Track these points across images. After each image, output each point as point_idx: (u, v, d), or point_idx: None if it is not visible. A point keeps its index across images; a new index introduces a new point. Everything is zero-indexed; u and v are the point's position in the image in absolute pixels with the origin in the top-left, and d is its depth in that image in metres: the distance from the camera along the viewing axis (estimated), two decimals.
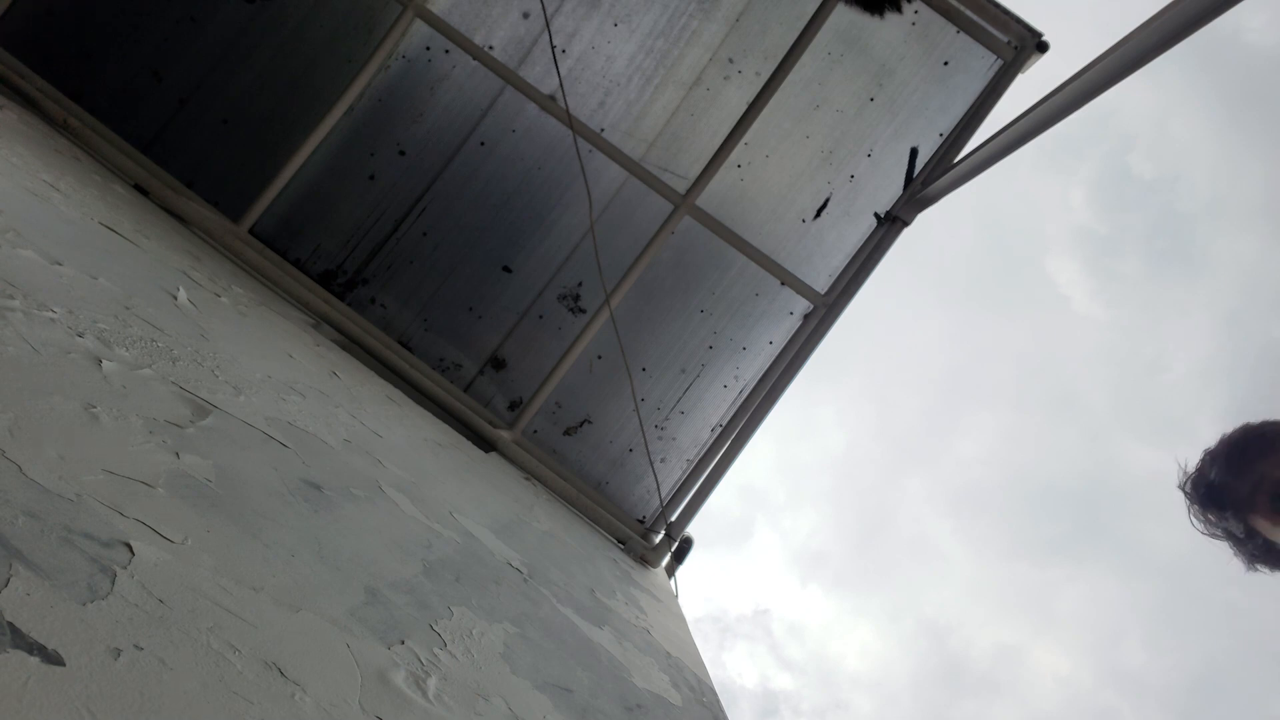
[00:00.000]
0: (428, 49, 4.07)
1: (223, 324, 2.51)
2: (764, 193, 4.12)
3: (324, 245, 4.08)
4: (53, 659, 0.82)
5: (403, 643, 1.39)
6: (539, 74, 4.06)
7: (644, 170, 4.07)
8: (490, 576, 2.06)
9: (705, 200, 4.07)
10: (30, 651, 0.81)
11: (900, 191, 4.08)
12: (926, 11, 4.02)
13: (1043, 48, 3.98)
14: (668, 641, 2.70)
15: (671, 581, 3.88)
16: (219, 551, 1.25)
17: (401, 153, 4.09)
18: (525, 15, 4.05)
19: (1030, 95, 3.00)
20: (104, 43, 4.06)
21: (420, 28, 4.05)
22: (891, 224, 4.05)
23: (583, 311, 4.11)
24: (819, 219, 4.11)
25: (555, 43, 4.03)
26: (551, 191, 4.11)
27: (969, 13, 3.99)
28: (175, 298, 2.41)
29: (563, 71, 4.02)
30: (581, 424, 4.13)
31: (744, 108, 4.07)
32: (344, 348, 3.63)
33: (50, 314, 1.67)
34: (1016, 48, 3.99)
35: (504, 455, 3.88)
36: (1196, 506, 1.70)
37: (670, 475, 4.11)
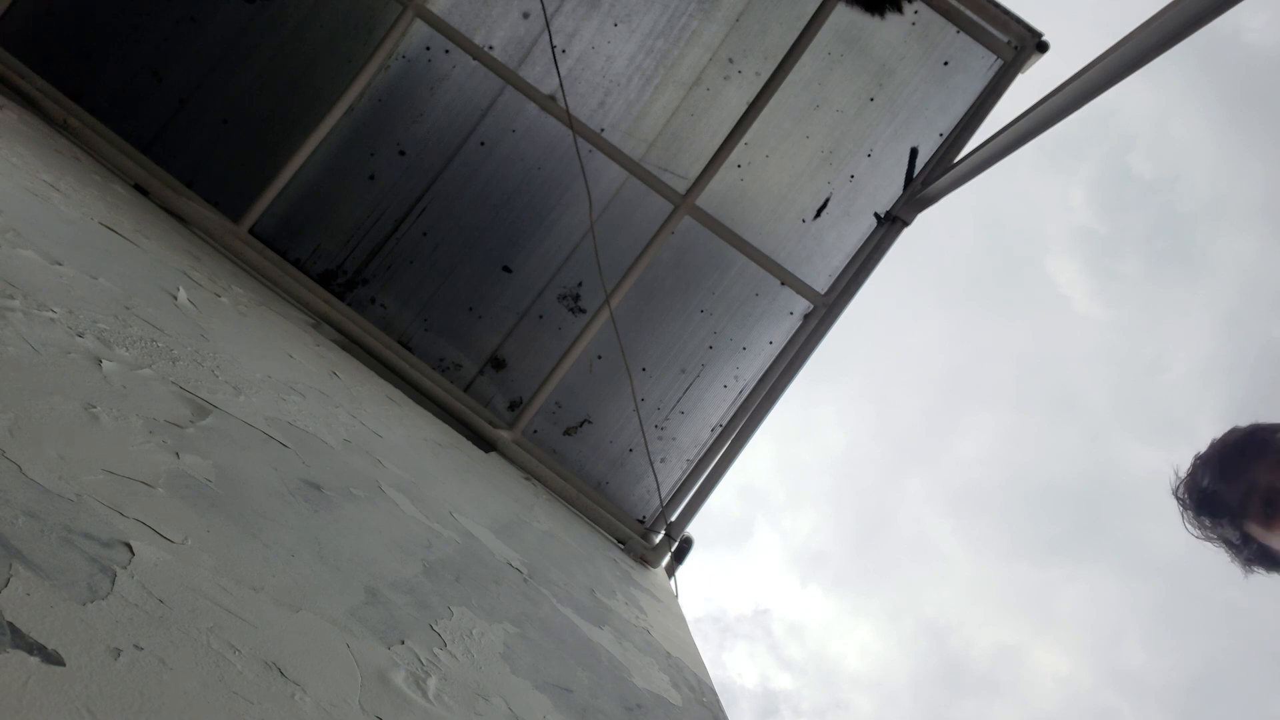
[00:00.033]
0: (428, 49, 4.07)
1: (223, 324, 2.51)
2: (764, 193, 4.12)
3: (324, 245, 4.08)
4: (53, 659, 0.82)
5: (403, 643, 1.39)
6: (539, 74, 4.06)
7: (644, 170, 4.07)
8: (490, 576, 2.06)
9: (705, 200, 4.07)
10: (30, 651, 0.81)
11: (900, 191, 4.08)
12: (926, 11, 4.02)
13: (1043, 48, 3.98)
14: (668, 641, 2.70)
15: (671, 581, 3.88)
16: (219, 551, 1.25)
17: (401, 153, 4.09)
18: (525, 15, 4.05)
19: (1030, 95, 3.00)
20: (104, 43, 4.06)
21: (420, 28, 4.05)
22: (891, 224, 4.05)
23: (583, 311, 4.11)
24: (819, 219, 4.11)
25: (555, 43, 4.03)
26: (551, 191, 4.11)
27: (969, 13, 3.99)
28: (175, 298, 2.41)
29: (563, 71, 4.02)
30: (581, 424, 4.13)
31: (744, 108, 4.07)
32: (344, 348, 3.63)
33: (50, 314, 1.67)
34: (1016, 48, 3.99)
35: (504, 455, 3.88)
36: (1190, 513, 1.70)
37: (670, 475, 4.11)
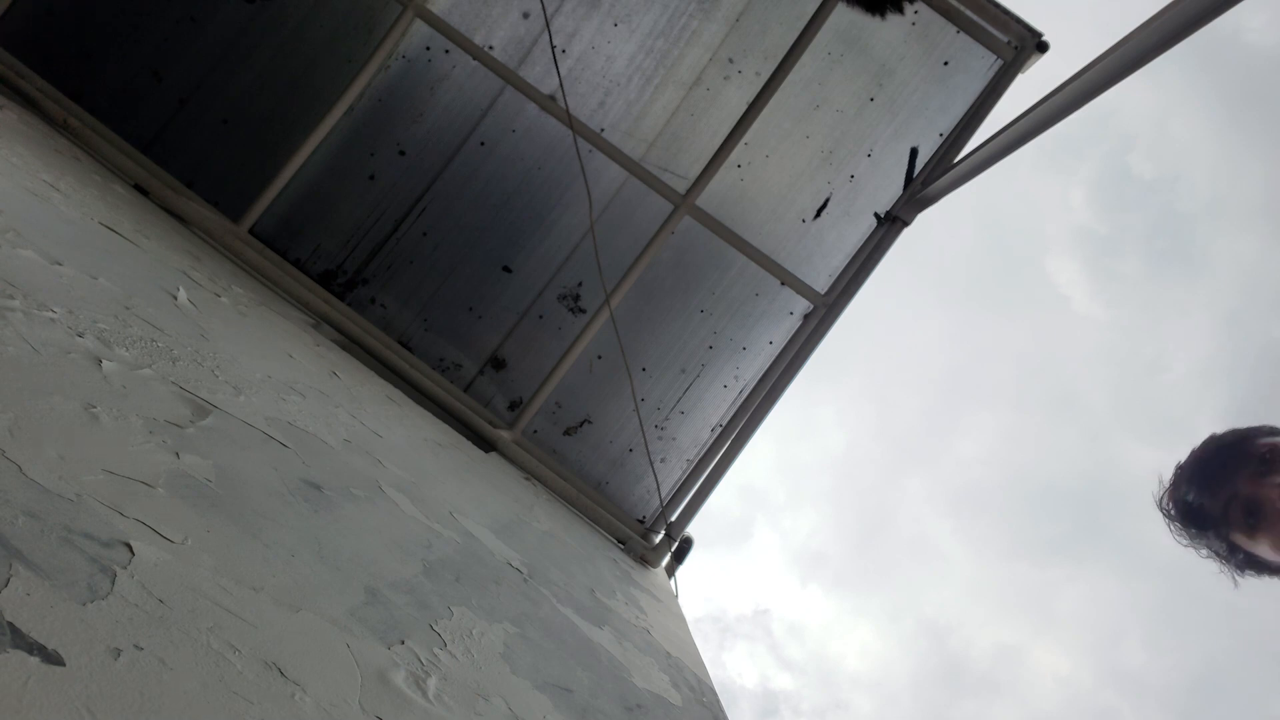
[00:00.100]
0: (428, 49, 4.07)
1: (223, 324, 2.51)
2: (764, 193, 4.12)
3: (324, 245, 4.08)
4: (53, 659, 0.82)
5: (403, 643, 1.39)
6: (539, 74, 4.06)
7: (644, 170, 4.07)
8: (490, 576, 2.06)
9: (705, 200, 4.07)
10: (30, 651, 0.81)
11: (900, 191, 4.08)
12: (927, 11, 4.02)
13: (1043, 48, 3.98)
14: (668, 641, 2.70)
15: (671, 581, 3.88)
16: (219, 551, 1.25)
17: (401, 153, 4.09)
18: (525, 15, 4.05)
19: (1030, 95, 3.00)
20: (104, 43, 4.06)
21: (420, 28, 4.05)
22: (891, 224, 4.05)
23: (583, 311, 4.11)
24: (819, 219, 4.11)
25: (555, 43, 4.03)
26: (551, 191, 4.11)
27: (969, 13, 3.99)
28: (175, 298, 2.41)
29: (563, 71, 4.02)
30: (581, 424, 4.13)
31: (744, 108, 4.07)
32: (344, 348, 3.63)
33: (50, 314, 1.67)
34: (1016, 48, 3.99)
35: (504, 455, 3.88)
36: (1176, 525, 1.70)
37: (670, 475, 4.11)
